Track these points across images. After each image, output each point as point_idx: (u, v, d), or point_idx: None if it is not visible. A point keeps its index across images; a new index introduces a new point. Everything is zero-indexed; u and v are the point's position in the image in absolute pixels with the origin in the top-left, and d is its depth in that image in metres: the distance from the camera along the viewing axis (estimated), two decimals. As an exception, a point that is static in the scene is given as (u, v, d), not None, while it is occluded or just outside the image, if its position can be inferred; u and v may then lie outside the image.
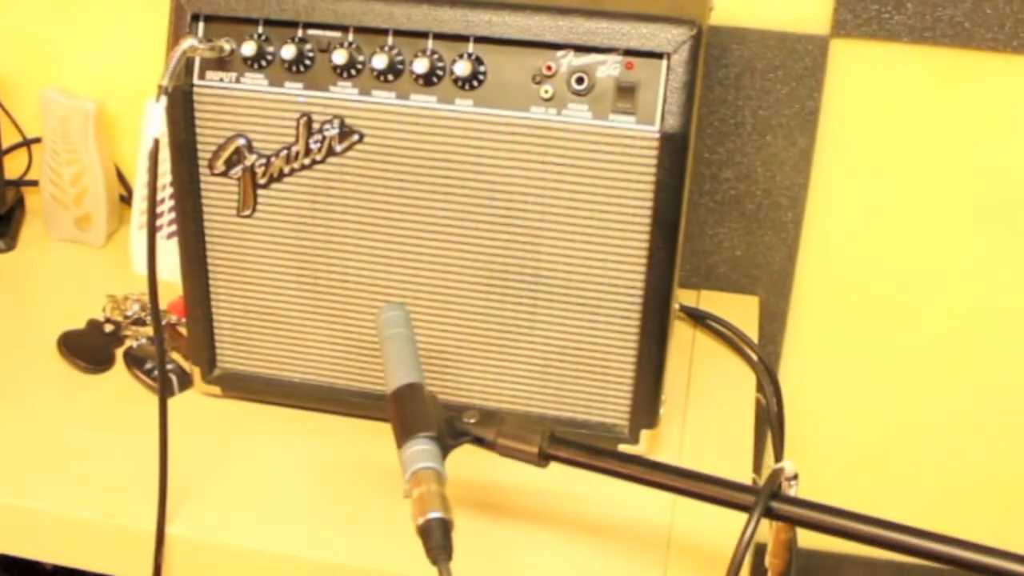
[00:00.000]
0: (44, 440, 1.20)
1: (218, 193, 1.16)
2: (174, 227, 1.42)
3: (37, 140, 1.64)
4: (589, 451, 0.91)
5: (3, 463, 1.17)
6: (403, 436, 0.91)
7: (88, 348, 1.33)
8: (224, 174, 1.15)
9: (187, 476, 1.15)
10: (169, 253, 1.43)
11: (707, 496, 0.88)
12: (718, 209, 1.48)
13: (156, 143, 1.00)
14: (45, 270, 1.53)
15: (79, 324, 1.38)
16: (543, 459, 0.92)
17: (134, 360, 1.30)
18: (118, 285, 1.47)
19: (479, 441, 0.94)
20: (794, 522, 0.85)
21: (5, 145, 1.63)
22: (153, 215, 1.03)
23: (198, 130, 1.14)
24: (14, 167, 1.68)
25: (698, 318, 1.45)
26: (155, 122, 1.02)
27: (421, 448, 0.89)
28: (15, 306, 1.44)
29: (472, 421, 0.94)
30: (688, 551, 1.09)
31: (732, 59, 1.41)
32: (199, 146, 1.14)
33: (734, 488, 0.87)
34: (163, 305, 1.39)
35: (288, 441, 1.21)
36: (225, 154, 1.14)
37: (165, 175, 1.42)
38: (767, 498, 0.84)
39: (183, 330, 1.33)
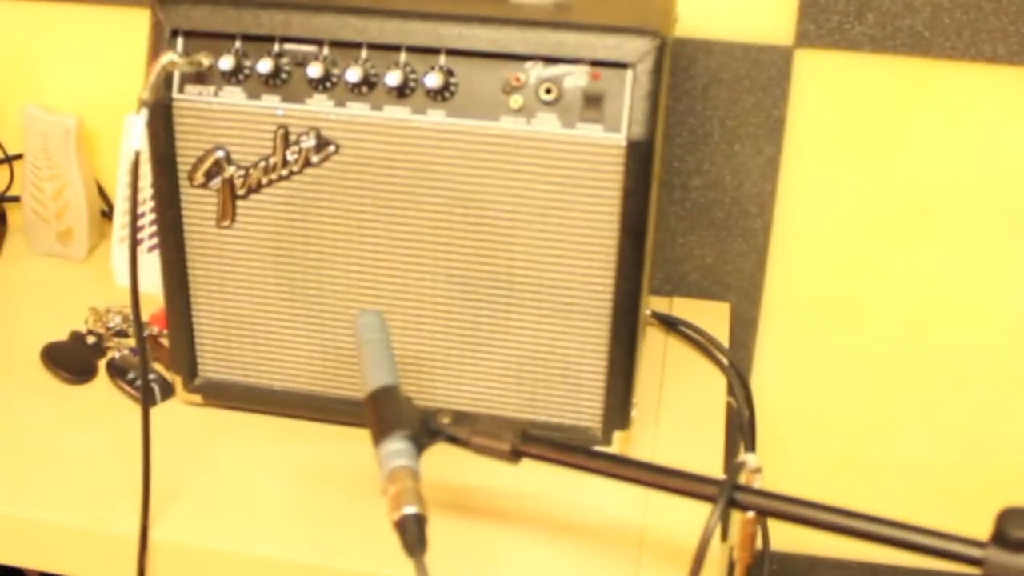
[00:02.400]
0: (28, 448, 1.22)
1: (198, 204, 1.19)
2: (155, 240, 1.45)
3: (18, 157, 1.66)
4: (559, 447, 0.94)
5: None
6: (379, 435, 0.93)
7: (71, 359, 1.35)
8: (203, 186, 1.18)
9: (170, 482, 1.18)
10: (150, 266, 1.45)
11: (673, 488, 0.91)
12: (688, 217, 1.52)
13: (137, 155, 1.03)
14: (27, 284, 1.55)
15: (62, 336, 1.40)
16: (515, 456, 0.95)
17: (117, 370, 1.33)
18: (100, 298, 1.50)
19: (453, 439, 0.96)
20: (757, 512, 0.88)
21: (-13, 162, 1.66)
22: (135, 226, 1.06)
23: (178, 143, 1.16)
24: (-5, 184, 1.71)
25: (670, 324, 1.48)
26: (136, 135, 1.05)
27: (397, 447, 0.92)
28: (2, 321, 1.47)
29: (446, 420, 0.96)
30: (660, 549, 1.12)
31: (699, 70, 1.45)
32: (179, 158, 1.17)
33: (699, 480, 0.90)
34: (145, 317, 1.42)
35: (268, 447, 1.23)
36: (204, 166, 1.17)
37: (146, 189, 1.45)
38: (730, 489, 0.87)
39: (165, 341, 1.35)
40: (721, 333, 1.47)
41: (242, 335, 1.24)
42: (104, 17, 1.60)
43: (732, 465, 0.90)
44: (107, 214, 1.66)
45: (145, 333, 1.39)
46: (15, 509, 1.15)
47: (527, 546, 1.11)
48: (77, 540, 1.14)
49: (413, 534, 0.86)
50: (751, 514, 0.95)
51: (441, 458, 1.02)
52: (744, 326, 1.56)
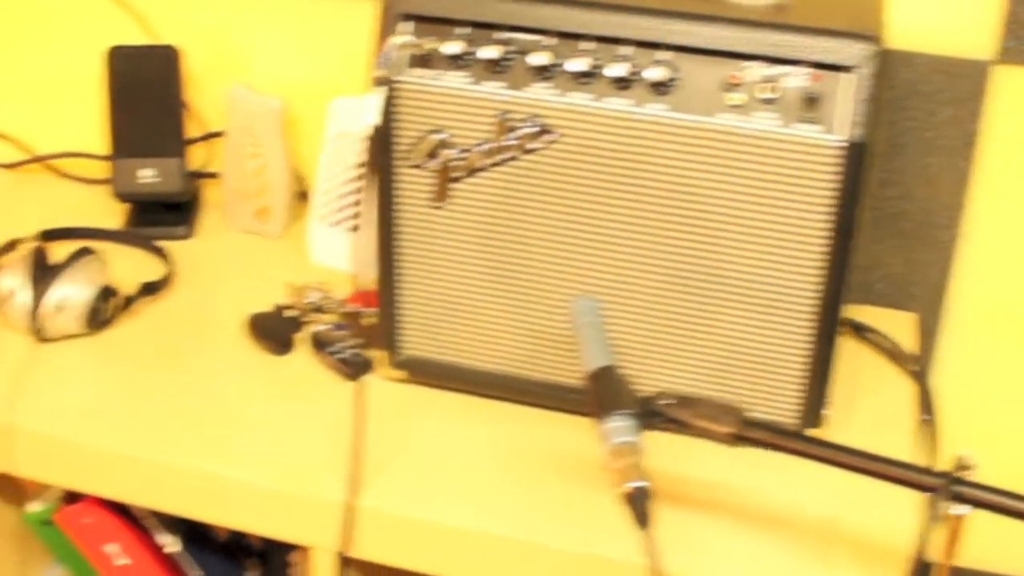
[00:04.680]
0: (235, 414, 1.28)
1: (412, 185, 1.23)
2: (353, 220, 1.49)
3: (218, 134, 1.72)
4: (781, 433, 0.96)
5: (196, 433, 1.25)
6: (603, 412, 0.96)
7: (273, 331, 1.40)
8: (420, 167, 1.21)
9: (371, 453, 1.22)
10: (346, 244, 1.50)
11: (895, 478, 0.92)
12: (878, 226, 1.52)
13: (376, 130, 1.07)
14: (225, 257, 1.61)
15: (259, 309, 1.45)
16: (736, 440, 0.97)
17: (320, 343, 1.37)
18: (295, 274, 1.55)
19: (674, 421, 0.99)
20: (978, 505, 0.89)
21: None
22: (363, 206, 1.09)
23: (399, 123, 1.20)
24: (194, 160, 1.76)
25: (858, 330, 1.48)
26: (372, 110, 1.09)
27: (621, 424, 0.95)
28: (199, 290, 1.52)
29: (668, 402, 0.99)
30: (854, 543, 1.13)
31: (898, 81, 1.45)
32: (398, 138, 1.21)
33: (920, 471, 0.91)
34: (343, 295, 1.46)
35: (468, 425, 1.27)
36: (423, 147, 1.20)
37: (347, 171, 1.50)
38: (952, 481, 0.89)
39: (365, 320, 1.39)
40: (906, 343, 1.47)
41: (447, 314, 1.28)
42: (311, 3, 1.65)
43: (955, 459, 0.91)
44: (302, 194, 1.71)
45: (343, 310, 1.43)
46: (222, 470, 1.20)
47: (730, 532, 1.13)
48: (280, 504, 1.19)
49: (641, 507, 0.89)
50: (962, 511, 0.95)
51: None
52: (925, 337, 1.56)
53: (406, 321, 1.30)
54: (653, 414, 0.98)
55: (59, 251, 1.43)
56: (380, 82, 1.09)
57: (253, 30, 1.69)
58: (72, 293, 1.36)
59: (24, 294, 1.35)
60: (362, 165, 1.50)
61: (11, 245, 1.52)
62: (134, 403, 1.29)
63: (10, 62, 1.83)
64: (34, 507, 1.47)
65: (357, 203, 1.51)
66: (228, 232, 1.68)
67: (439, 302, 1.27)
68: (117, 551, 1.43)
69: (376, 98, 1.09)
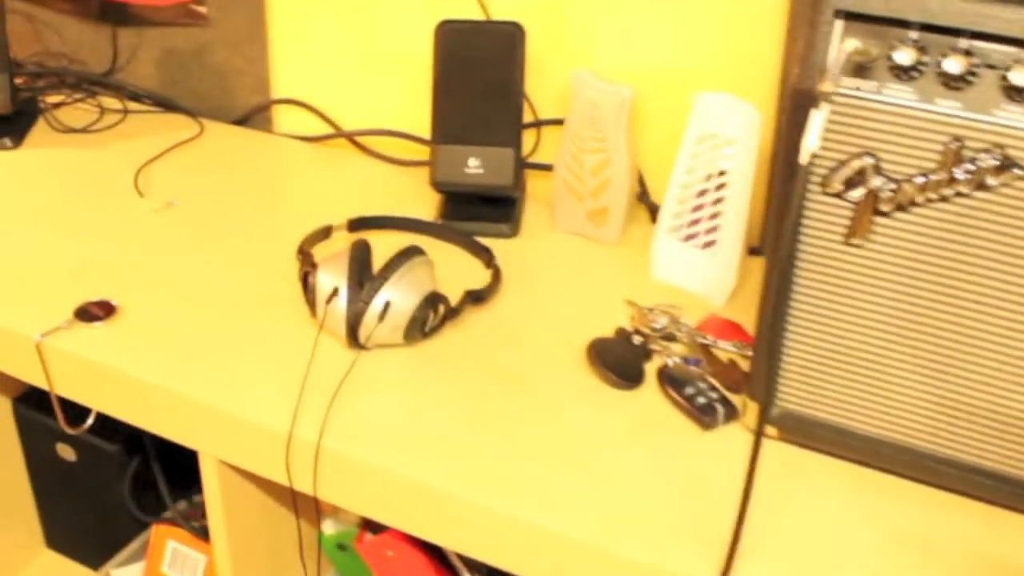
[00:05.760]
0: (569, 456, 1.09)
1: (825, 215, 1.02)
2: (709, 236, 1.30)
3: (551, 122, 1.54)
4: None
5: (521, 474, 1.07)
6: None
7: (619, 360, 1.21)
8: (839, 195, 1.01)
9: (726, 520, 1.02)
10: (693, 262, 1.31)
11: None
12: None
13: (812, 158, 0.87)
14: (553, 263, 1.43)
15: (595, 326, 1.28)
16: None
17: (670, 380, 1.18)
18: (634, 289, 1.36)
19: None
20: None
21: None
22: (786, 255, 0.89)
23: (819, 142, 0.99)
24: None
25: None
26: (813, 133, 0.88)
27: None
28: (527, 299, 1.34)
29: None
30: None
31: None
32: (815, 160, 1.00)
33: None
34: (694, 322, 1.27)
35: (861, 503, 1.05)
36: (846, 173, 0.99)
37: (708, 179, 1.30)
38: None
39: (720, 353, 1.20)
40: None
41: (841, 368, 1.07)
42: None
43: None
44: (641, 198, 1.52)
45: (697, 341, 1.24)
46: (549, 522, 1.01)
47: None
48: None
49: None
50: None
51: None
52: None
53: (789, 370, 1.09)
54: None
55: (379, 243, 1.26)
56: (824, 97, 0.88)
57: (596, 9, 1.49)
58: (397, 299, 1.20)
59: (346, 296, 1.19)
60: (723, 173, 1.30)
61: (325, 232, 1.37)
62: (453, 430, 1.12)
63: (325, 33, 1.68)
64: (329, 529, 1.32)
65: (715, 216, 1.30)
66: (554, 233, 1.50)
67: (833, 352, 1.07)
68: (417, 589, 1.28)
69: (819, 117, 0.88)
